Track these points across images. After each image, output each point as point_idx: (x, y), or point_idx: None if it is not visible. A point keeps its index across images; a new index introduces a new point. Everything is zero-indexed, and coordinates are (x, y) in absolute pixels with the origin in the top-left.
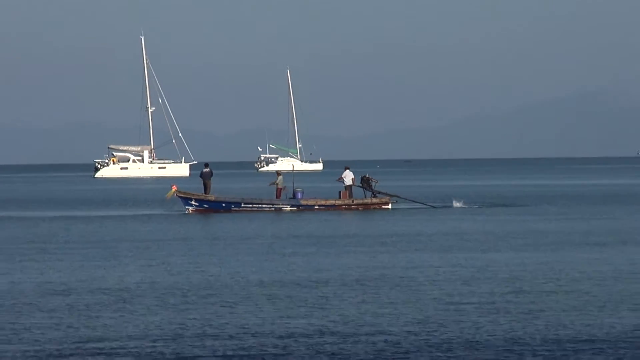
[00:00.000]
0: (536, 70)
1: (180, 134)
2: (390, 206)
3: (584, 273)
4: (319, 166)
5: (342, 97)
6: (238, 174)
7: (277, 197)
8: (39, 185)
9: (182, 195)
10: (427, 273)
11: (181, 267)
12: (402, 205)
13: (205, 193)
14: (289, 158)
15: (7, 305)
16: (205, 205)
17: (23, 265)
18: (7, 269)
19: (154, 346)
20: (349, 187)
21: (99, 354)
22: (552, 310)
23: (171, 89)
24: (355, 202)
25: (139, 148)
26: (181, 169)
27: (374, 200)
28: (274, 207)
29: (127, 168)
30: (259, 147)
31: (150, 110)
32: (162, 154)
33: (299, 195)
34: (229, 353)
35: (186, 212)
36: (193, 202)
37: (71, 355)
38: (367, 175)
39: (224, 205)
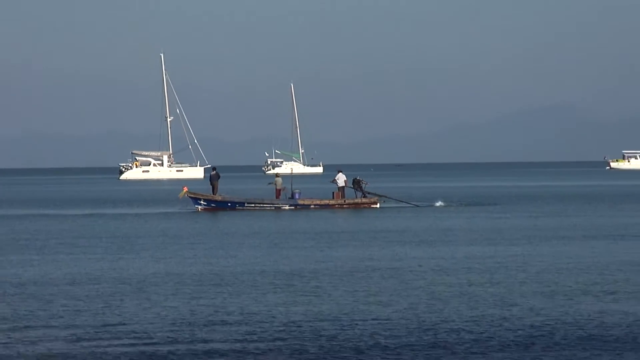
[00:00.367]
0: (512, 84)
1: (195, 141)
2: (378, 205)
3: (551, 264)
4: (319, 169)
5: (341, 108)
6: (246, 177)
7: (276, 197)
8: (70, 186)
9: (192, 196)
10: (412, 265)
11: (193, 259)
12: (390, 205)
13: (213, 194)
14: (292, 162)
15: (39, 293)
16: (212, 205)
17: (53, 258)
18: (39, 261)
19: (170, 330)
20: (341, 188)
21: (120, 337)
22: (524, 297)
23: (188, 101)
24: (347, 201)
25: (159, 153)
26: (196, 172)
27: (364, 200)
28: (274, 206)
29: (148, 171)
30: (266, 153)
31: (169, 120)
32: (179, 158)
33: (297, 196)
34: (237, 337)
35: (196, 210)
36: (202, 202)
37: (96, 338)
38: (358, 178)
39: (229, 204)
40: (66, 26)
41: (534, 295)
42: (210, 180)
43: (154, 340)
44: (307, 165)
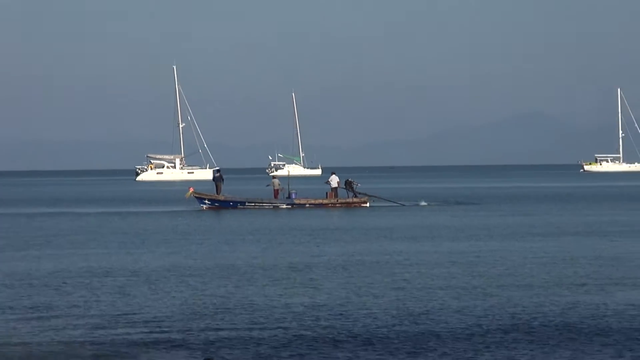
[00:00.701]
0: (500, 93)
1: (205, 146)
2: (368, 204)
3: (527, 259)
4: (318, 171)
5: (340, 115)
6: (250, 178)
7: (275, 197)
8: (90, 186)
9: (198, 196)
10: (400, 259)
11: (198, 254)
12: (379, 204)
13: (216, 194)
14: (293, 165)
15: (57, 284)
16: (216, 204)
17: (71, 252)
18: (57, 255)
19: (179, 318)
20: (334, 189)
21: (132, 324)
22: (503, 289)
23: (198, 109)
24: (339, 201)
25: (172, 157)
26: (206, 174)
27: (355, 199)
28: (273, 206)
29: (162, 173)
30: (269, 156)
31: (181, 126)
32: (190, 161)
33: (293, 196)
34: (239, 325)
35: (201, 209)
36: (206, 201)
37: (110, 326)
38: (349, 179)
39: (231, 203)
40: (90, 44)
41: (511, 287)
42: (214, 181)
43: (165, 328)
44: (307, 168)
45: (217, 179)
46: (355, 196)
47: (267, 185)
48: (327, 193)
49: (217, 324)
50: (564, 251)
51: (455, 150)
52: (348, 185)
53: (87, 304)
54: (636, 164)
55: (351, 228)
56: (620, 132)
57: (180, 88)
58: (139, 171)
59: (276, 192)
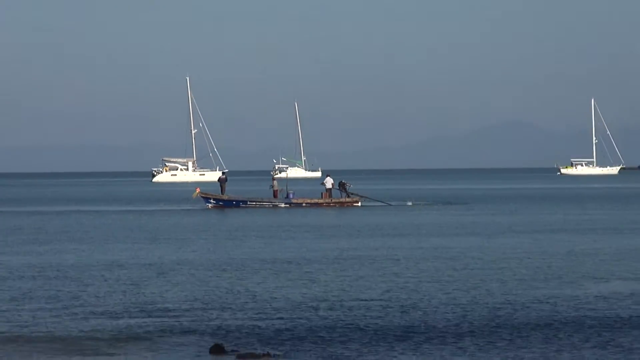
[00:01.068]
0: (483, 102)
1: (215, 150)
2: (360, 204)
3: (508, 254)
4: (318, 174)
5: (339, 122)
6: (255, 180)
7: (274, 197)
8: (110, 187)
9: (204, 196)
10: (389, 253)
11: (204, 249)
12: (369, 203)
13: (221, 194)
14: (296, 168)
15: (76, 276)
16: (220, 203)
17: (89, 247)
18: (76, 249)
19: (188, 308)
20: (329, 190)
21: (146, 312)
22: (485, 281)
23: (209, 116)
24: (333, 200)
25: (185, 160)
26: (216, 176)
27: (347, 199)
28: (272, 205)
29: (176, 175)
30: (274, 160)
31: (193, 132)
32: (202, 164)
33: (291, 196)
34: (243, 313)
35: (207, 208)
36: (212, 201)
37: (124, 316)
38: (343, 181)
39: (234, 203)
40: (113, 57)
41: (491, 280)
42: (219, 183)
43: (176, 316)
44: (308, 171)
45: (222, 181)
46: (348, 196)
47: (270, 187)
48: (322, 193)
49: (224, 313)
50: (540, 247)
51: (440, 156)
52: (341, 186)
53: (105, 294)
54: (608, 167)
55: (344, 225)
56: (594, 138)
57: (193, 97)
58: (155, 173)
59: (276, 193)
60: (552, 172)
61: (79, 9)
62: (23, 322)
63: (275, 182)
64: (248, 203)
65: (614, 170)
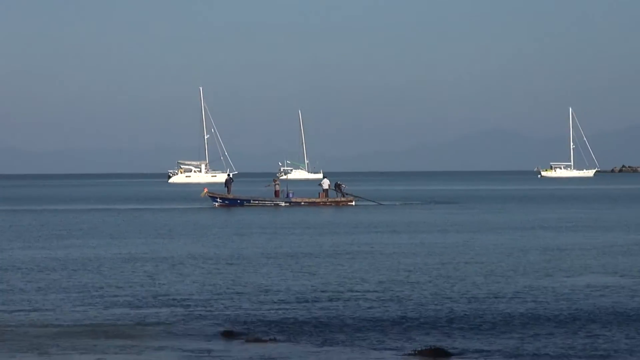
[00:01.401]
0: (469, 109)
1: (226, 153)
2: (354, 203)
3: (489, 249)
4: (320, 176)
5: (339, 128)
6: (262, 181)
7: (275, 196)
8: (128, 187)
9: (211, 195)
10: (381, 249)
11: (212, 243)
12: (362, 203)
13: (227, 193)
14: (299, 170)
15: (94, 269)
16: (226, 202)
17: (107, 242)
18: (95, 244)
19: (199, 298)
20: (325, 190)
21: (160, 302)
22: (469, 275)
23: (220, 122)
24: (329, 200)
25: (198, 162)
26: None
27: (343, 199)
28: (273, 203)
29: (190, 176)
30: (279, 163)
31: (206, 137)
32: (214, 166)
33: (291, 195)
34: (249, 303)
35: (214, 206)
36: (218, 200)
37: (142, 304)
38: (338, 182)
39: (238, 201)
40: (130, 67)
41: (476, 273)
42: (225, 184)
43: (188, 305)
44: (311, 173)
45: (228, 182)
46: (343, 196)
47: (267, 186)
48: (319, 193)
49: (232, 302)
50: (519, 244)
51: (427, 161)
52: (337, 187)
53: (118, 286)
54: (584, 170)
55: (340, 223)
56: (572, 144)
57: (206, 105)
58: (171, 174)
59: (277, 192)
60: (533, 175)
61: (100, 23)
62: (50, 309)
63: (275, 182)
64: (251, 202)
65: (590, 173)
